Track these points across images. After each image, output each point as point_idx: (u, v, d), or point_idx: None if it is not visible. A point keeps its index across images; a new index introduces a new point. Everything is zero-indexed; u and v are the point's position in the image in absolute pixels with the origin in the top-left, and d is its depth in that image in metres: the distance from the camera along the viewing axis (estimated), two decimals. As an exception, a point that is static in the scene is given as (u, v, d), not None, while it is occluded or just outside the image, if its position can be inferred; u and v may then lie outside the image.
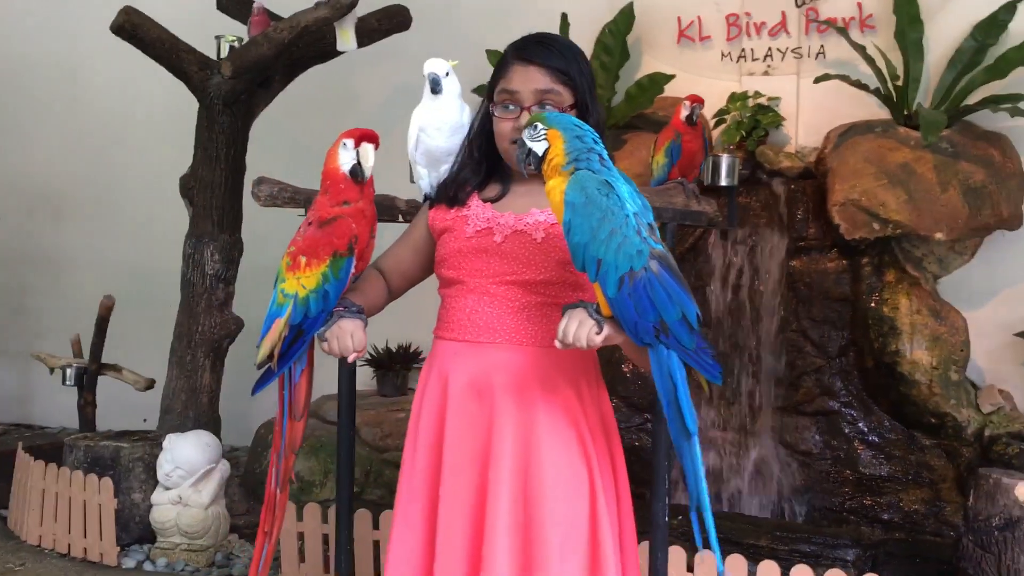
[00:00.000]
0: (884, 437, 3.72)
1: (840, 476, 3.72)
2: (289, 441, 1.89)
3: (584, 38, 4.21)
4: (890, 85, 3.72)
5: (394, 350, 4.60)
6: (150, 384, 4.41)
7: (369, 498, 4.04)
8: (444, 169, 1.96)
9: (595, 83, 1.85)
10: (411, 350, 4.60)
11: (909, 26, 3.74)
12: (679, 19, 4.21)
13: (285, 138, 4.65)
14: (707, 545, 1.55)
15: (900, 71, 3.73)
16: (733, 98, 4.01)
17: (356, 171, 1.77)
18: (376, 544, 3.09)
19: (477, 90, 4.34)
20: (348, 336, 1.74)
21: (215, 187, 3.84)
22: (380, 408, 4.43)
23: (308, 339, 1.81)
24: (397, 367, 4.57)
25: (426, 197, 1.98)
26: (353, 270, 1.77)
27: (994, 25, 3.69)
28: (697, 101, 3.21)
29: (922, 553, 3.22)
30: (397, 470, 4.01)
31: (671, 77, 3.93)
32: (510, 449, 1.71)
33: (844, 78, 3.69)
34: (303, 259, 1.77)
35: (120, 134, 5.43)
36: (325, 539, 3.16)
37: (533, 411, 1.72)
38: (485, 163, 1.88)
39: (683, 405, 1.53)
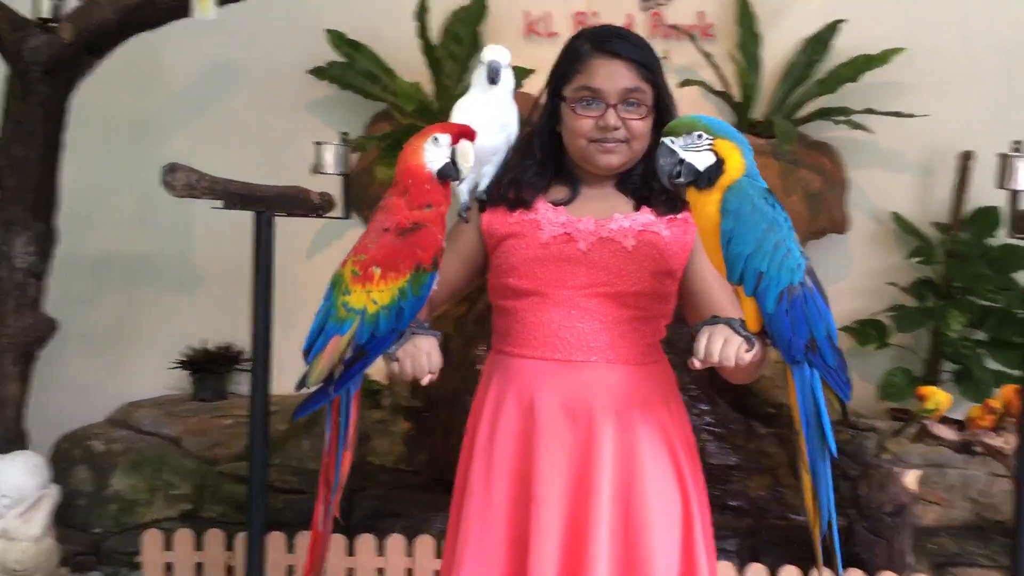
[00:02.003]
0: (728, 428, 3.91)
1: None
2: (344, 473, 1.67)
3: (437, 25, 4.07)
4: (739, 92, 3.91)
5: (212, 351, 4.22)
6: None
7: (208, 515, 3.68)
8: (487, 170, 1.80)
9: None
10: (232, 351, 4.24)
11: (749, 38, 3.95)
12: (527, 13, 4.17)
13: (86, 114, 4.11)
14: (830, 564, 1.54)
15: (740, 80, 3.93)
16: (585, 96, 4.03)
17: (449, 171, 1.58)
18: (290, 569, 2.83)
19: (314, 72, 4.08)
20: (424, 355, 1.57)
21: (29, 167, 3.31)
22: (202, 415, 4.05)
23: (371, 361, 1.60)
24: (219, 369, 4.19)
25: (479, 201, 1.80)
26: (435, 287, 1.58)
27: (820, 42, 3.98)
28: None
29: (796, 538, 3.42)
30: (237, 483, 3.73)
31: (530, 72, 3.88)
32: (610, 476, 1.61)
33: (703, 84, 3.83)
34: (377, 271, 1.56)
35: None
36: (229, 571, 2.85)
37: (633, 434, 1.63)
38: (552, 163, 1.75)
39: (825, 424, 1.51)
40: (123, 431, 3.94)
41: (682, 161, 1.48)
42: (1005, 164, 2.50)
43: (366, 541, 3.03)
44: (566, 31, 4.17)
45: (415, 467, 4.08)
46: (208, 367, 4.18)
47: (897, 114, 3.75)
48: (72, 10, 3.06)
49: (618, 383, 1.64)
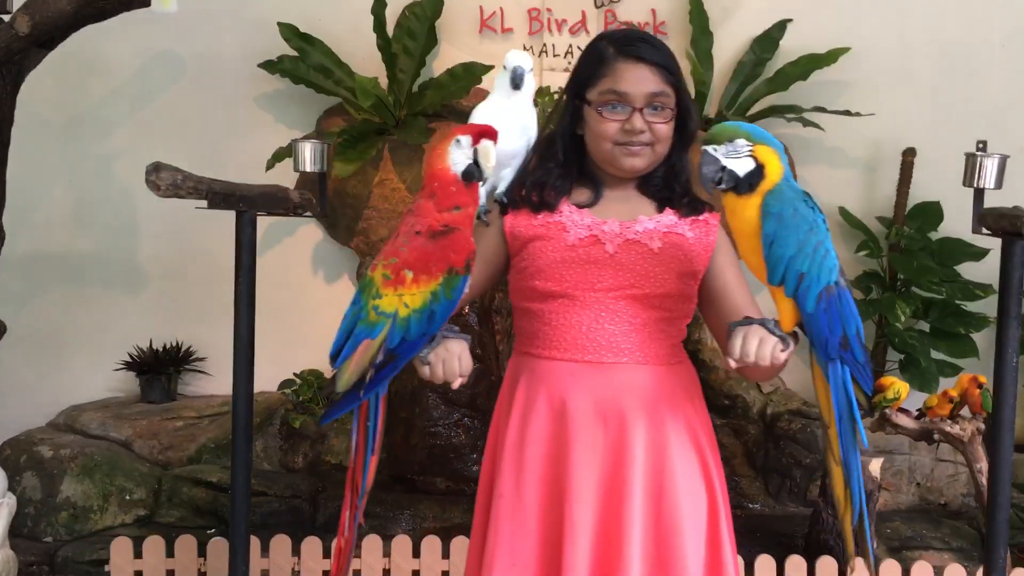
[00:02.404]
0: (685, 419, 3.99)
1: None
2: (370, 478, 1.65)
3: (392, 19, 4.03)
4: (693, 90, 3.97)
5: (160, 351, 4.11)
6: None
7: (166, 520, 3.58)
8: (505, 173, 1.80)
9: None
10: (182, 350, 4.14)
11: (702, 36, 4.02)
12: (481, 8, 4.16)
13: (20, 108, 3.95)
14: (862, 554, 1.59)
15: (694, 78, 4.00)
16: (540, 93, 4.04)
17: (472, 172, 1.57)
18: (265, 574, 2.78)
19: (264, 65, 4.01)
20: (455, 359, 1.56)
21: (-23, 164, 3.18)
22: (151, 417, 3.95)
23: (401, 365, 1.59)
24: (168, 370, 4.08)
25: (499, 203, 1.80)
26: (467, 290, 1.58)
27: (768, 41, 4.07)
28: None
29: (753, 527, 3.51)
30: (195, 487, 3.64)
31: (489, 68, 3.87)
32: (642, 477, 1.64)
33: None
34: (409, 274, 1.54)
35: None
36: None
37: (663, 434, 1.66)
38: (575, 166, 1.76)
39: (857, 418, 1.56)
40: (70, 436, 3.82)
41: (724, 168, 1.51)
42: (972, 163, 2.60)
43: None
44: (521, 27, 4.19)
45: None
46: (156, 368, 4.07)
47: (846, 112, 3.86)
48: (26, 1, 2.93)
49: (648, 384, 1.66)
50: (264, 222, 4.21)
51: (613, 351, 1.66)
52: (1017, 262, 2.34)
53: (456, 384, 1.58)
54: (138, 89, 4.22)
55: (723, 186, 1.52)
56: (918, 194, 3.98)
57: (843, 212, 4.04)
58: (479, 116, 1.77)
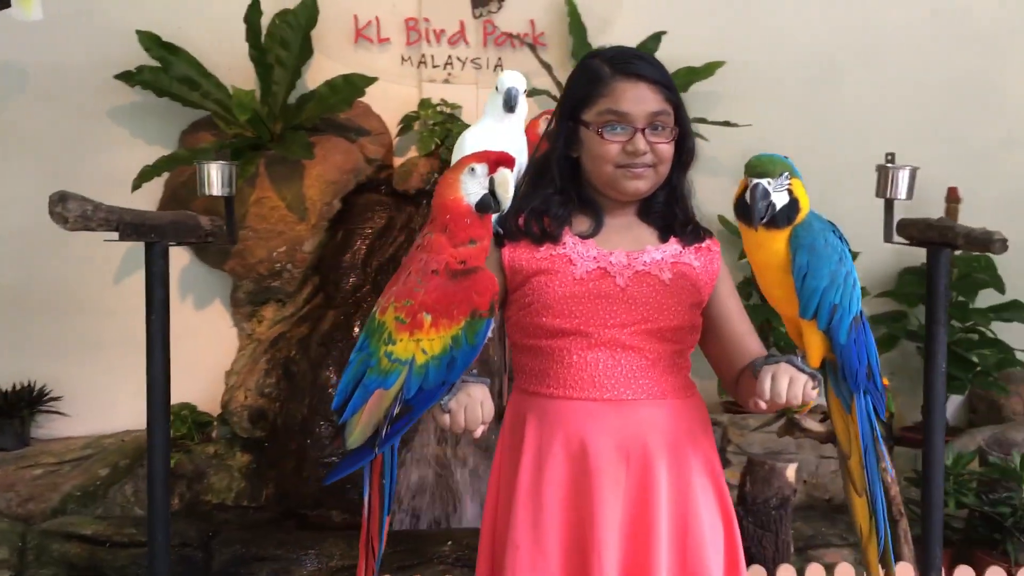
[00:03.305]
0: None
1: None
2: (385, 540, 1.51)
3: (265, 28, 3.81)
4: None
5: (10, 391, 3.73)
6: None
7: (39, 581, 3.23)
8: (496, 202, 1.68)
9: None
10: (35, 390, 3.76)
11: (581, 48, 4.00)
12: (356, 18, 3.99)
13: None
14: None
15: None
16: (424, 104, 3.93)
17: (488, 202, 1.46)
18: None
19: (122, 77, 3.71)
20: (478, 405, 1.45)
21: None
22: (5, 466, 3.59)
23: (417, 416, 1.45)
24: (21, 412, 3.70)
25: (496, 234, 1.68)
26: (489, 334, 1.46)
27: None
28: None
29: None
30: (65, 542, 3.32)
31: (373, 80, 3.72)
32: (667, 516, 1.57)
33: (551, 94, 3.83)
34: (427, 317, 1.41)
35: None
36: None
37: (686, 469, 1.60)
38: (573, 191, 1.66)
39: (882, 448, 1.55)
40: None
41: (771, 203, 1.46)
42: (884, 175, 2.69)
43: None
44: (398, 37, 4.05)
45: (260, 503, 3.81)
46: (6, 411, 3.68)
47: (726, 123, 3.93)
48: None
49: (667, 419, 1.60)
50: (121, 247, 3.90)
51: (632, 388, 1.58)
52: (943, 270, 2.43)
53: (479, 433, 1.46)
54: (-26, 101, 3.81)
55: (765, 220, 1.47)
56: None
57: (722, 220, 4.12)
58: (470, 140, 1.65)
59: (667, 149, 1.64)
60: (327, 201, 3.79)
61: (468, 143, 1.65)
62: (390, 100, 3.98)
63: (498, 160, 1.46)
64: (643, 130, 1.61)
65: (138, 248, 3.92)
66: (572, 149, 1.67)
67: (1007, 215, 3.66)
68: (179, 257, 3.99)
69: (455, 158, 1.67)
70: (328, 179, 3.77)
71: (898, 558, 3.24)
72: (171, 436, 3.84)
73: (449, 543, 3.26)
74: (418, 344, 1.41)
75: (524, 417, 1.62)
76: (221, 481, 3.81)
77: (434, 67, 4.05)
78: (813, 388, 1.47)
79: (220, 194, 2.62)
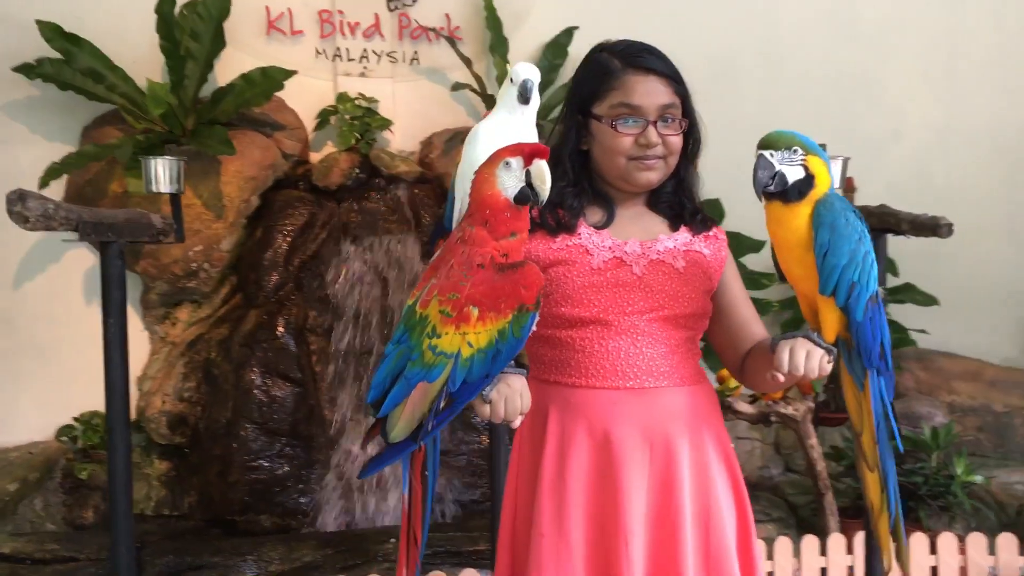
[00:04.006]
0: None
1: (477, 468, 3.89)
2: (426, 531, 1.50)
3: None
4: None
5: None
6: None
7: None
8: (508, 194, 1.69)
9: None
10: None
11: (498, 42, 4.02)
12: (268, 9, 3.89)
13: None
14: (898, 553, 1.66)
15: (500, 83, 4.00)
16: (342, 99, 3.87)
17: (526, 195, 1.46)
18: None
19: (21, 69, 3.53)
20: (518, 396, 1.45)
21: None
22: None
23: (459, 408, 1.45)
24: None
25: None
26: (535, 327, 1.46)
27: (558, 47, 4.16)
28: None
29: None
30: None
31: (291, 73, 3.64)
32: (690, 501, 1.61)
33: (473, 88, 3.84)
34: (474, 311, 1.40)
35: None
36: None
37: (704, 454, 1.64)
38: (586, 183, 1.68)
39: (893, 425, 1.62)
40: None
41: (776, 173, 1.51)
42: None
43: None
44: (312, 30, 3.98)
45: (182, 511, 3.69)
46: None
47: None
48: None
49: (687, 405, 1.63)
50: (22, 244, 3.70)
51: (653, 375, 1.61)
52: (881, 256, 2.57)
53: (517, 423, 1.46)
54: None
55: (772, 189, 1.52)
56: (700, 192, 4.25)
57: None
58: (484, 132, 1.64)
59: (677, 141, 1.68)
60: (245, 198, 3.69)
61: (482, 136, 1.64)
62: (305, 94, 3.90)
63: (533, 152, 1.45)
64: (655, 122, 1.64)
65: (39, 251, 3.76)
66: (582, 142, 1.69)
67: (896, 202, 3.89)
68: (83, 259, 3.82)
69: (467, 151, 1.65)
70: (246, 175, 3.67)
71: (824, 529, 3.41)
72: (82, 447, 3.71)
73: (392, 540, 3.23)
74: (464, 337, 1.40)
75: (545, 407, 1.63)
76: (139, 491, 3.66)
77: (349, 60, 3.99)
78: (828, 363, 1.52)
79: (168, 191, 2.51)
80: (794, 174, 1.52)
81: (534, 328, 1.45)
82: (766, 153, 1.52)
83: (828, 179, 1.54)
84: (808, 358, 1.50)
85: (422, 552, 1.51)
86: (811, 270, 1.54)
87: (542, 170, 1.45)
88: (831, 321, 1.56)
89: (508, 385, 1.44)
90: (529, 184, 1.46)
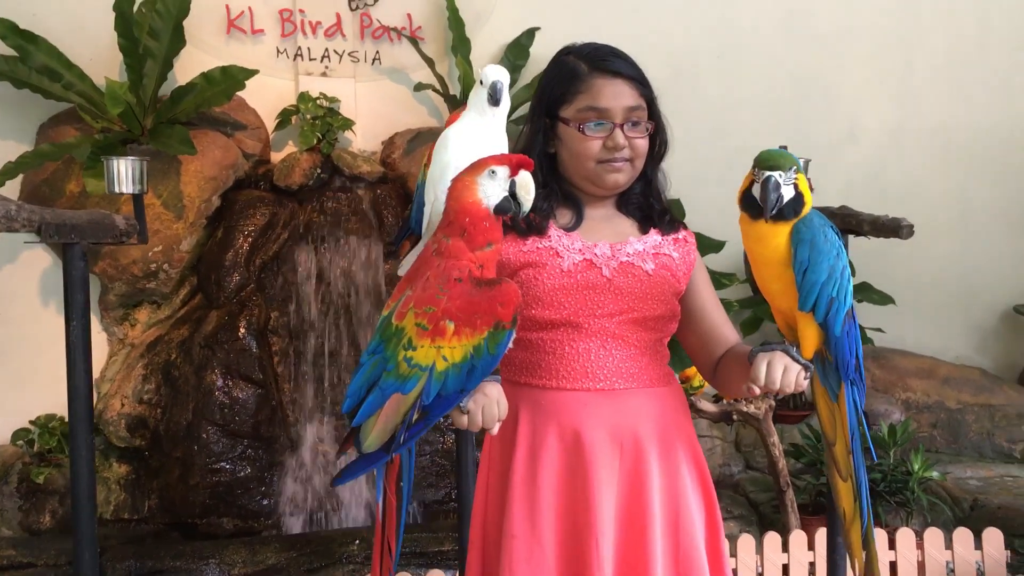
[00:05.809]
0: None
1: (440, 468, 3.89)
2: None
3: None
4: (461, 96, 3.97)
5: None
6: None
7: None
8: (476, 197, 1.69)
9: None
10: None
11: (460, 42, 4.02)
12: (228, 8, 3.85)
13: None
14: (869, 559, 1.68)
15: (463, 84, 4.00)
16: (304, 98, 3.85)
17: (507, 205, 1.46)
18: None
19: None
20: (494, 404, 1.46)
21: None
22: None
23: (433, 421, 1.45)
24: None
25: None
26: (511, 345, 1.46)
27: (519, 48, 4.17)
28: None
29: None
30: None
31: (253, 72, 3.60)
32: (660, 503, 1.63)
33: (435, 89, 3.83)
34: (450, 325, 1.40)
35: None
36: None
37: (674, 456, 1.66)
38: (556, 186, 1.69)
39: (867, 435, 1.65)
40: None
41: (781, 196, 1.51)
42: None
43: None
44: (272, 29, 3.95)
45: (142, 515, 3.64)
46: None
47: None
48: None
49: (656, 407, 1.64)
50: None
51: (623, 377, 1.62)
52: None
53: (495, 430, 1.47)
54: None
55: (774, 212, 1.52)
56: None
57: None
58: (455, 135, 1.64)
59: (643, 143, 1.69)
60: (206, 198, 3.65)
61: (452, 139, 1.64)
62: (266, 93, 3.87)
63: (519, 163, 1.45)
64: (621, 125, 1.66)
65: (-7, 248, 3.69)
66: (549, 145, 1.69)
67: (851, 203, 3.95)
68: (39, 260, 3.76)
69: (437, 155, 1.65)
70: (207, 175, 3.63)
71: (785, 527, 3.45)
72: (38, 450, 3.65)
73: (357, 542, 3.22)
74: (439, 351, 1.40)
75: (515, 408, 1.62)
76: (98, 494, 3.59)
77: (311, 60, 3.97)
78: (804, 379, 1.54)
79: (130, 191, 2.48)
80: (788, 193, 1.53)
81: (511, 345, 1.45)
82: (775, 175, 1.51)
83: (811, 197, 1.56)
84: (785, 373, 1.52)
85: (396, 562, 1.51)
86: (789, 286, 1.56)
87: (527, 181, 1.46)
88: (810, 337, 1.57)
89: (484, 394, 1.45)
90: (512, 194, 1.46)
